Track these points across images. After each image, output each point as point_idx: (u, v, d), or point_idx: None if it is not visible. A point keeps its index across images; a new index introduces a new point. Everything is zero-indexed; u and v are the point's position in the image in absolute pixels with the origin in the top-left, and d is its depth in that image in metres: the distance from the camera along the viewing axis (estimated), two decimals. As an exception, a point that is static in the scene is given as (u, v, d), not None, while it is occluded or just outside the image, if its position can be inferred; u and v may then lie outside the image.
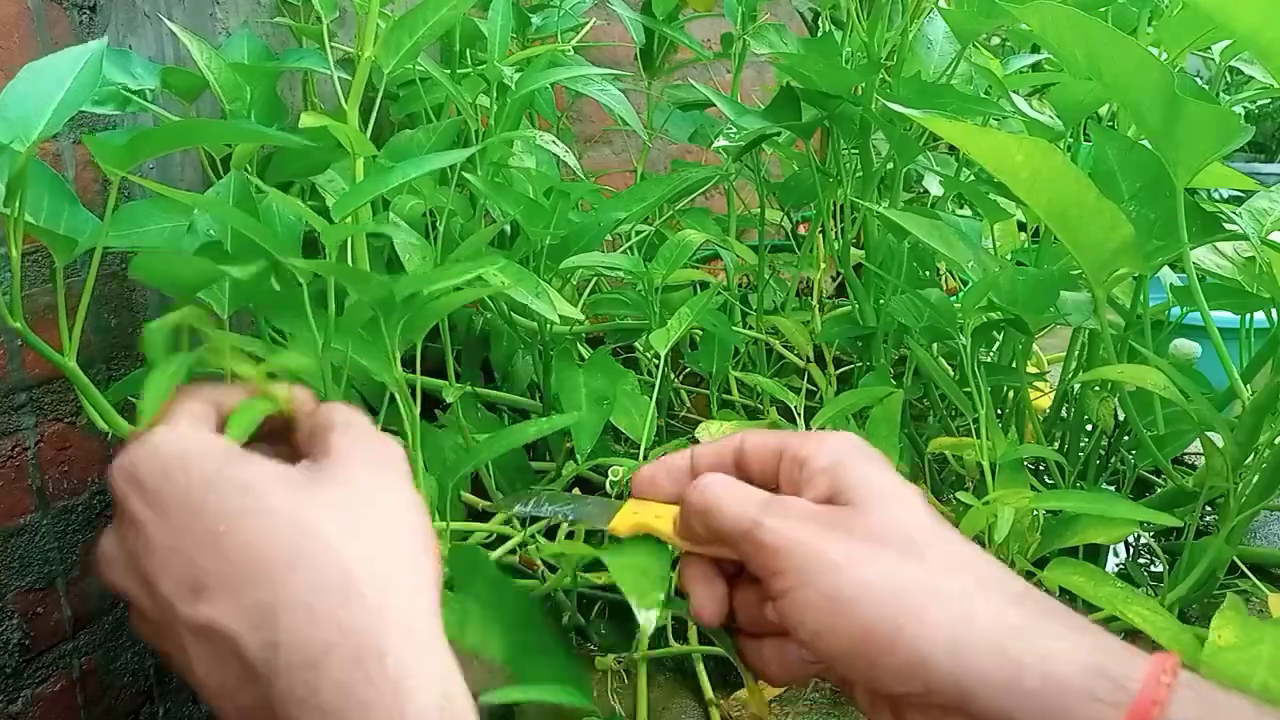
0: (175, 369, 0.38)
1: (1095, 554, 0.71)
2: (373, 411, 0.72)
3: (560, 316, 0.61)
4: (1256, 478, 0.60)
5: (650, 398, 0.68)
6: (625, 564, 0.51)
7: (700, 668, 0.59)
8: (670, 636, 0.63)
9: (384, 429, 0.60)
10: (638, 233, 0.92)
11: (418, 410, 0.56)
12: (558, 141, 0.76)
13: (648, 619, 0.45)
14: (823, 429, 0.68)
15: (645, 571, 0.49)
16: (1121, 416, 0.77)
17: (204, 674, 0.33)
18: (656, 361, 0.68)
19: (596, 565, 0.60)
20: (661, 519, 0.42)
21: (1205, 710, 0.31)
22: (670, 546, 0.43)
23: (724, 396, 0.92)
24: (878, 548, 0.34)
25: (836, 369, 0.91)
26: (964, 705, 0.32)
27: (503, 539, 0.66)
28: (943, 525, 0.36)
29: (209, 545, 0.32)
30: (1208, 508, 0.77)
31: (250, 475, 0.34)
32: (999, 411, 0.81)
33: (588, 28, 0.92)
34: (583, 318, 0.62)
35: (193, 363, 0.38)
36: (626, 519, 0.43)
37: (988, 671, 0.32)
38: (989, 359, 0.85)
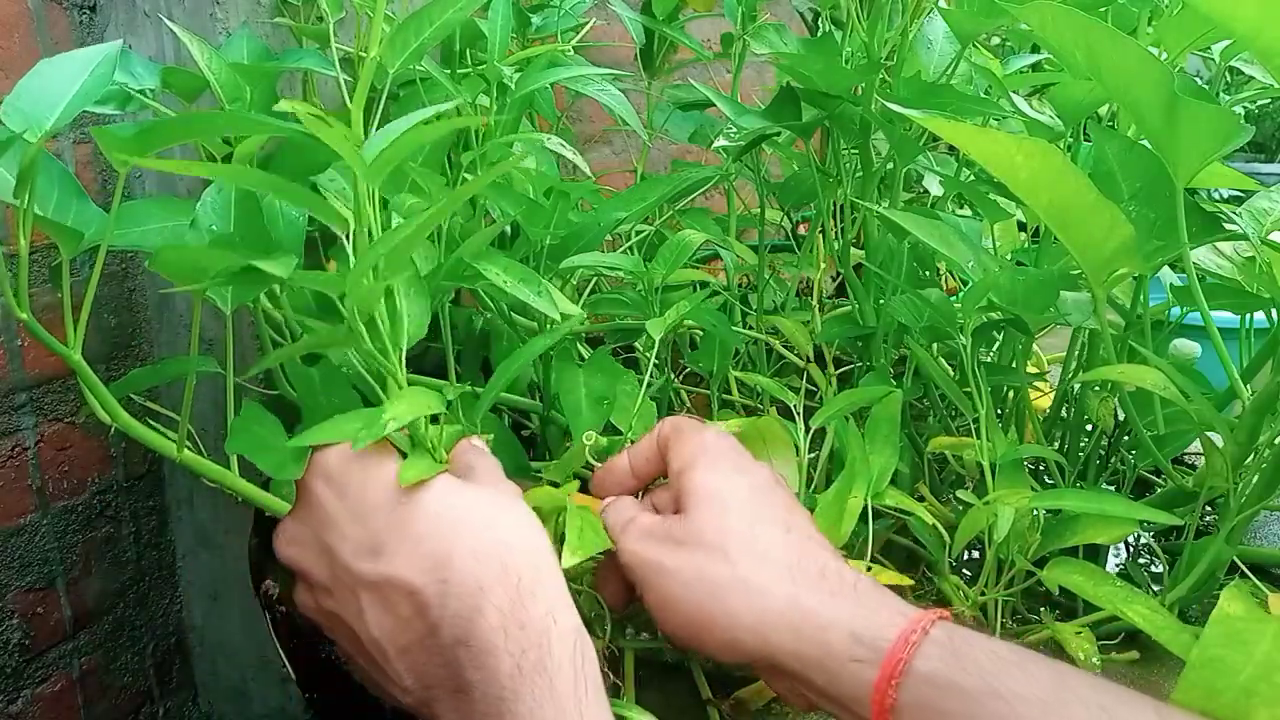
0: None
1: (1095, 554, 0.71)
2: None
3: (561, 316, 0.61)
4: (1256, 478, 0.60)
5: (640, 387, 0.68)
6: (586, 519, 0.54)
7: (697, 668, 0.59)
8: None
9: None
10: (638, 233, 0.92)
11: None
12: (564, 144, 0.76)
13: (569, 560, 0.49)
14: (822, 428, 0.68)
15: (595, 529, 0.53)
16: (1121, 416, 0.77)
17: (373, 622, 0.40)
18: (652, 352, 0.68)
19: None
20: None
21: (949, 661, 0.38)
22: None
23: (724, 396, 0.92)
24: (697, 553, 0.42)
25: (836, 369, 0.91)
26: (777, 670, 0.41)
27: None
28: (756, 522, 0.43)
29: (389, 514, 0.40)
30: (1208, 508, 0.77)
31: (427, 487, 0.42)
32: (999, 411, 0.81)
33: (588, 28, 0.92)
34: (584, 316, 0.63)
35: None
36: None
37: (784, 645, 0.40)
38: (989, 359, 0.85)
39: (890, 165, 0.80)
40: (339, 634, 0.43)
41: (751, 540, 0.42)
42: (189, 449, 0.52)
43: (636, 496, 0.52)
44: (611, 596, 0.49)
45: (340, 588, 0.41)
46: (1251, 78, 0.78)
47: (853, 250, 0.89)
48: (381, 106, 0.57)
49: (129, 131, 0.43)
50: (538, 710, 0.36)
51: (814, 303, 0.94)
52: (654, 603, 0.42)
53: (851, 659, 0.39)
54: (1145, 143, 0.59)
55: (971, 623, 0.64)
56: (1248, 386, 0.62)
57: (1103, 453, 0.81)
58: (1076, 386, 0.79)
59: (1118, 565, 0.77)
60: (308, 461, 0.44)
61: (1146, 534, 0.78)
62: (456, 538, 0.39)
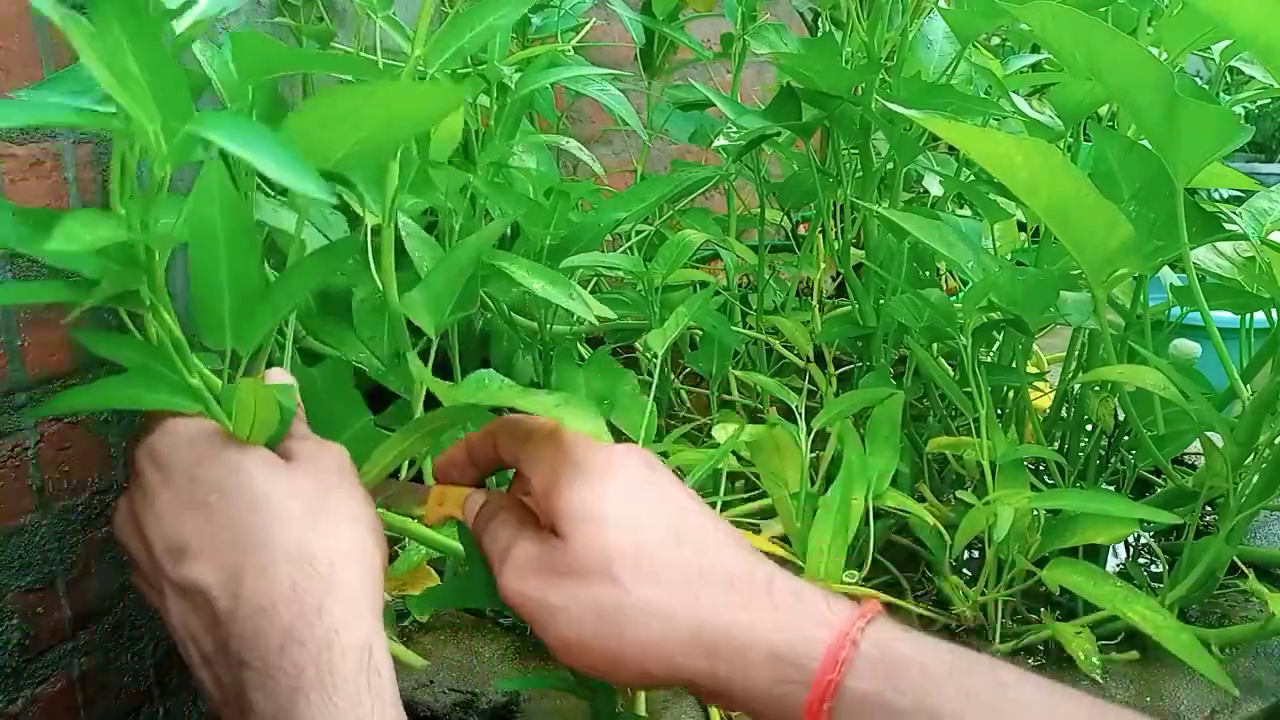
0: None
1: (1095, 554, 0.71)
2: (374, 410, 0.72)
3: (562, 315, 0.61)
4: (1256, 478, 0.60)
5: (649, 396, 0.68)
6: None
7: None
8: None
9: (384, 428, 0.60)
10: (638, 233, 0.92)
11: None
12: (582, 147, 0.76)
13: None
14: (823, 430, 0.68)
15: None
16: (1121, 416, 0.77)
17: (178, 622, 0.39)
18: (655, 362, 0.68)
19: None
20: (452, 505, 0.46)
21: (883, 678, 0.34)
22: None
23: (724, 396, 0.92)
24: (583, 584, 0.38)
25: (836, 369, 0.91)
26: (701, 691, 0.37)
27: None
28: (641, 534, 0.38)
29: (199, 513, 0.38)
30: (1208, 508, 0.77)
31: (239, 457, 0.39)
32: (999, 411, 0.81)
33: (588, 28, 0.92)
34: (611, 314, 0.63)
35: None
36: (434, 509, 0.47)
37: (700, 670, 0.36)
38: (989, 359, 0.85)
39: (890, 165, 0.80)
40: (166, 624, 0.41)
41: (639, 558, 0.37)
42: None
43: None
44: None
45: (156, 582, 0.40)
46: (1251, 78, 0.78)
47: (853, 250, 0.89)
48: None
49: (259, 43, 0.43)
50: None
51: (814, 303, 0.94)
52: (553, 644, 0.38)
53: (777, 681, 0.35)
54: (1145, 143, 0.59)
55: (972, 623, 0.64)
56: (1248, 386, 0.62)
57: (1103, 453, 0.81)
58: (1076, 386, 0.79)
59: (1118, 565, 0.77)
60: (138, 439, 0.41)
61: (1146, 534, 0.78)
62: (252, 550, 0.37)
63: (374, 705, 0.35)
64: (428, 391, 0.68)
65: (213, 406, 0.40)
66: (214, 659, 0.37)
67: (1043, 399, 0.91)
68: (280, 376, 0.45)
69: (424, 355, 0.58)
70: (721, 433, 0.68)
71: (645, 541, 0.38)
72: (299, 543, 0.38)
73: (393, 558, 0.68)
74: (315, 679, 0.35)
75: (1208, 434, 0.63)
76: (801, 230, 1.09)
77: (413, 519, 0.52)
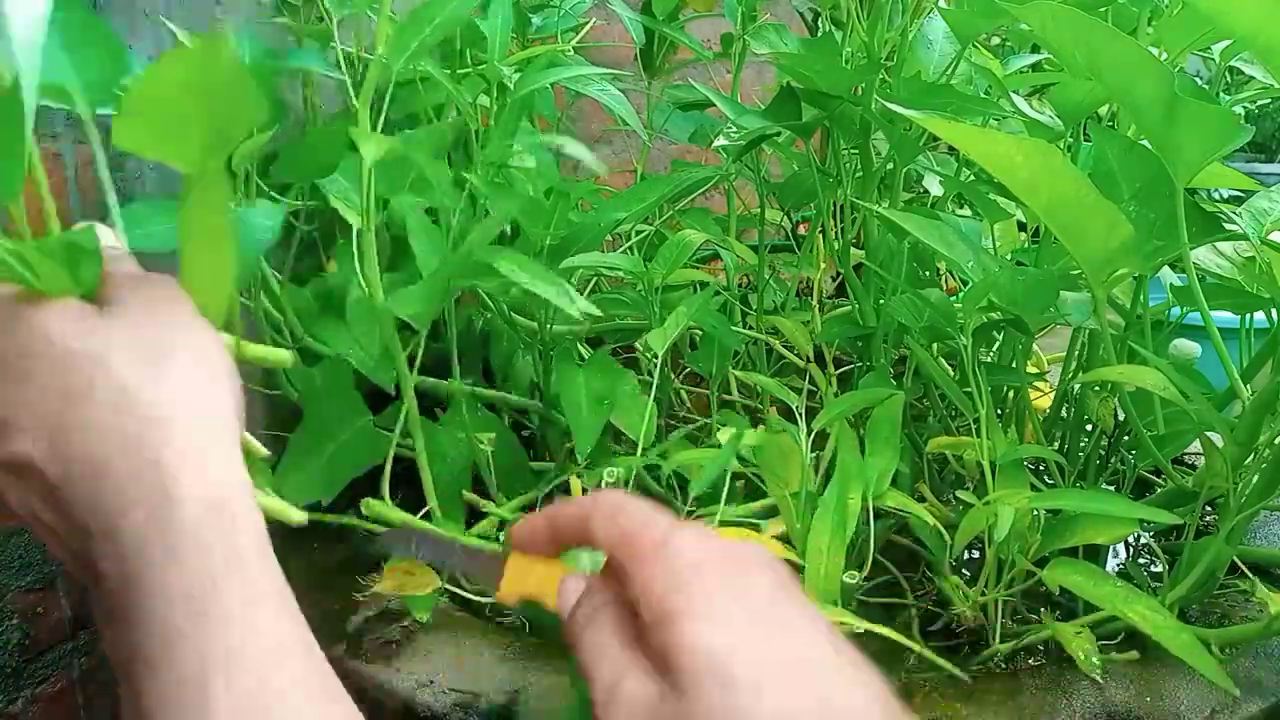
0: None
1: (1095, 554, 0.71)
2: (373, 410, 0.72)
3: (561, 315, 0.61)
4: (1256, 478, 0.60)
5: (649, 397, 0.68)
6: None
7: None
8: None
9: (383, 428, 0.60)
10: (638, 233, 0.92)
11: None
12: (583, 148, 0.76)
13: None
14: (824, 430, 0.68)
15: None
16: (1121, 416, 0.77)
17: (17, 502, 0.35)
18: (656, 361, 0.68)
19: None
20: (549, 585, 0.40)
21: None
22: None
23: (724, 396, 0.92)
24: None
25: (836, 369, 0.91)
26: None
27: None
28: (776, 698, 0.31)
29: (13, 387, 0.34)
30: (1208, 508, 0.77)
31: (44, 315, 0.35)
32: (999, 411, 0.81)
33: (588, 28, 0.92)
34: (596, 311, 0.62)
35: None
36: (514, 585, 0.41)
37: None
38: (989, 359, 0.85)
39: (890, 165, 0.80)
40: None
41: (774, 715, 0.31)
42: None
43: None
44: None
45: None
46: (1251, 78, 0.78)
47: (853, 250, 0.88)
48: (386, 105, 0.57)
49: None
50: (163, 593, 0.31)
51: (814, 303, 0.94)
52: None
53: None
54: (1145, 143, 0.59)
55: (972, 623, 0.64)
56: (1248, 386, 0.62)
57: (1103, 453, 0.81)
58: (1076, 386, 0.79)
59: (1118, 565, 0.77)
60: None
61: (1146, 534, 0.78)
62: (75, 409, 0.34)
63: (227, 563, 0.32)
64: (421, 389, 0.68)
65: (15, 268, 0.36)
66: (63, 535, 0.34)
67: (1043, 399, 0.91)
68: (106, 234, 0.41)
69: (413, 353, 0.58)
70: (725, 434, 0.68)
71: (782, 707, 0.31)
72: (126, 391, 0.34)
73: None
74: (156, 537, 0.32)
75: (1208, 434, 0.63)
76: (801, 230, 1.09)
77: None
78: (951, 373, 0.79)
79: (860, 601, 0.66)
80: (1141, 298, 0.70)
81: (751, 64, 0.96)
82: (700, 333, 0.88)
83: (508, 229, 0.78)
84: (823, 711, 0.31)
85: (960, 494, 0.65)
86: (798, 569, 0.59)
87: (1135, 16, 0.73)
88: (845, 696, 0.32)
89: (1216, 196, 1.21)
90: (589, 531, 0.38)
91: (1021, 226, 0.91)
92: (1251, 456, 0.60)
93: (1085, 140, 0.76)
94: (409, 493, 0.66)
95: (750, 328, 0.92)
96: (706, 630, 0.32)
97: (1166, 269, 0.77)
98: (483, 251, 0.60)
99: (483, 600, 0.65)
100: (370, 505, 0.61)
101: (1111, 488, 0.81)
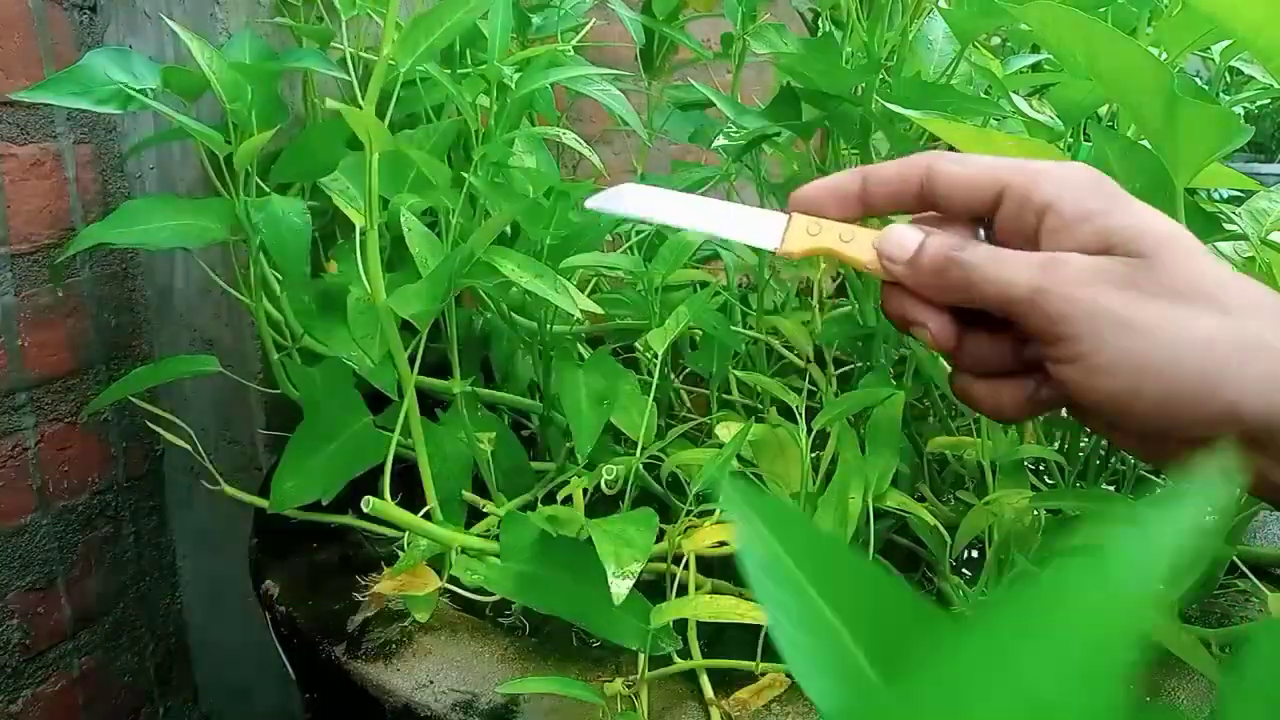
0: None
1: (1095, 554, 0.71)
2: (373, 410, 0.72)
3: (561, 315, 0.61)
4: (1256, 478, 0.60)
5: (649, 397, 0.68)
6: (608, 532, 0.52)
7: (700, 670, 0.59)
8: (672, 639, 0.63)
9: (383, 428, 0.60)
10: (638, 233, 0.92)
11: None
12: (579, 140, 0.76)
13: (620, 589, 0.47)
14: (817, 429, 0.68)
15: (628, 542, 0.50)
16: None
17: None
18: (656, 361, 0.68)
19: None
20: (851, 244, 0.37)
21: None
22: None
23: (724, 396, 0.92)
24: (1180, 304, 0.33)
25: (836, 369, 0.91)
26: (1271, 441, 0.32)
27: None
28: (1223, 265, 0.34)
29: None
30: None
31: None
32: (999, 411, 0.81)
33: (588, 28, 0.92)
34: (598, 310, 0.63)
35: None
36: (801, 239, 0.37)
37: None
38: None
39: (890, 165, 0.80)
40: None
41: (1236, 284, 0.33)
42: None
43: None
44: (940, 331, 0.37)
45: None
46: (1251, 78, 0.78)
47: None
48: (391, 106, 0.57)
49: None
50: None
51: (814, 303, 0.94)
52: (1112, 368, 0.33)
53: None
54: (1145, 143, 0.59)
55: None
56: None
57: (1103, 453, 0.81)
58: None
59: (1118, 565, 0.77)
60: None
61: (1146, 534, 0.78)
62: None
63: None
64: (421, 389, 0.68)
65: None
66: None
67: (1043, 399, 0.91)
68: None
69: (414, 353, 0.58)
70: (725, 432, 0.68)
71: (1233, 277, 0.33)
72: None
73: (392, 558, 0.68)
74: None
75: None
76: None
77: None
78: (951, 373, 0.79)
79: (860, 601, 0.66)
80: (1141, 298, 0.70)
81: (751, 64, 0.96)
82: (700, 333, 0.88)
83: (508, 229, 0.78)
84: (1257, 295, 0.33)
85: (960, 494, 0.65)
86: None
87: (1135, 16, 0.73)
88: (1252, 286, 0.34)
89: (1216, 196, 1.21)
90: (931, 180, 0.38)
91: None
92: (1251, 456, 0.60)
93: (1085, 140, 0.76)
94: (409, 493, 0.66)
95: (750, 328, 0.92)
96: (1151, 215, 0.34)
97: (1166, 269, 0.77)
98: (484, 251, 0.60)
99: (483, 600, 0.65)
100: (373, 504, 0.61)
101: (1111, 488, 0.81)
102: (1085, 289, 0.33)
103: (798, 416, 0.67)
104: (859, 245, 0.37)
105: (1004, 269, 0.35)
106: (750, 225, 0.39)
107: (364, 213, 0.55)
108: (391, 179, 0.69)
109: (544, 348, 0.77)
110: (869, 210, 0.39)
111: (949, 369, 0.39)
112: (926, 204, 0.38)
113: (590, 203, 0.41)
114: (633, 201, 0.40)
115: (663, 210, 0.39)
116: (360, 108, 0.53)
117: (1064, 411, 0.36)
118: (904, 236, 0.37)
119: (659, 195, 0.40)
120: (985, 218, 0.37)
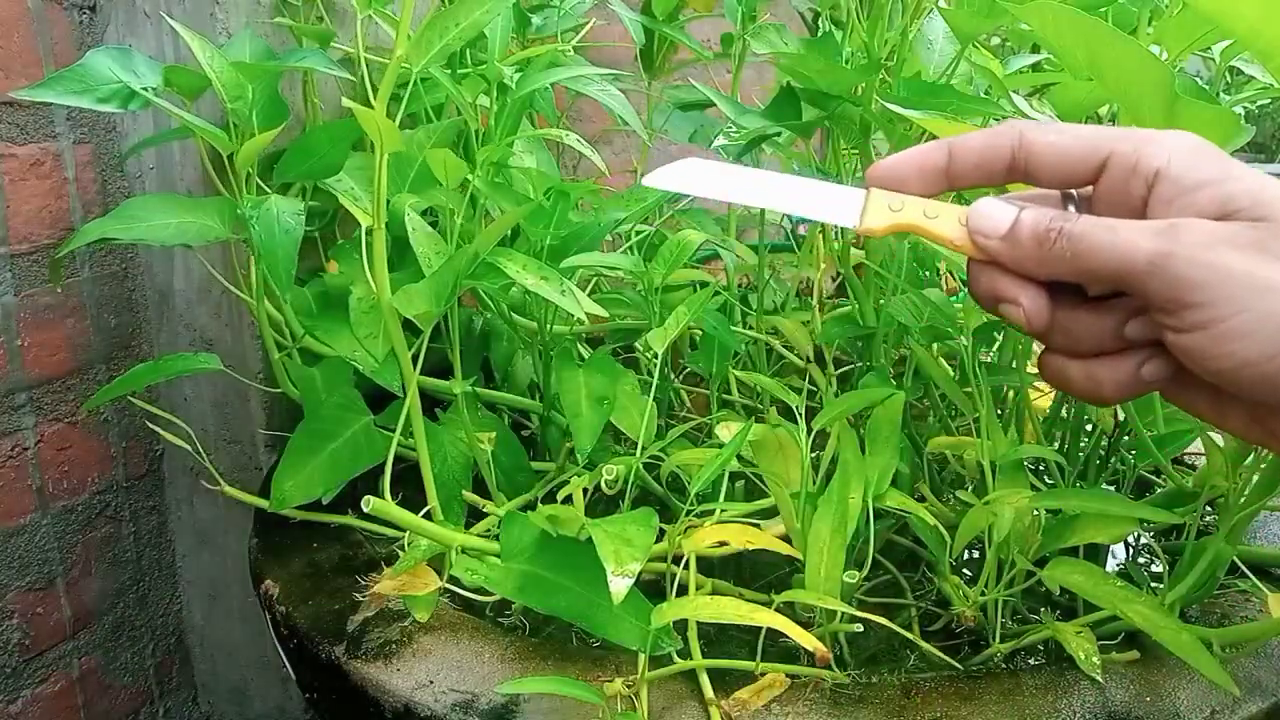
0: None
1: (1095, 554, 0.71)
2: (373, 409, 0.72)
3: (561, 315, 0.61)
4: (1256, 477, 0.60)
5: (649, 397, 0.68)
6: (608, 531, 0.52)
7: (700, 669, 0.59)
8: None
9: (383, 428, 0.60)
10: (638, 233, 0.92)
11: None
12: (581, 140, 0.76)
13: (620, 588, 0.47)
14: (817, 428, 0.68)
15: (628, 541, 0.50)
16: (1121, 416, 0.77)
17: None
18: (656, 361, 0.69)
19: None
20: (937, 220, 0.36)
21: None
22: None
23: (724, 396, 0.92)
24: None
25: (836, 369, 0.91)
26: None
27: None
28: None
29: None
30: (1208, 508, 0.77)
31: None
32: (999, 411, 0.81)
33: (588, 28, 0.92)
34: (601, 312, 0.63)
35: None
36: (882, 215, 0.36)
37: None
38: (989, 359, 0.85)
39: (890, 165, 0.80)
40: None
41: None
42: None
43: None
44: (1035, 311, 0.36)
45: None
46: (1251, 78, 0.78)
47: (853, 250, 0.89)
48: (403, 105, 0.57)
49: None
50: None
51: (814, 303, 0.94)
52: (1245, 332, 0.32)
53: None
54: (1145, 143, 0.59)
55: (972, 623, 0.64)
56: (1248, 386, 0.62)
57: (1103, 453, 0.81)
58: (1076, 386, 0.78)
59: (1118, 565, 0.77)
60: None
61: (1146, 534, 0.78)
62: None
63: None
64: (421, 389, 0.68)
65: None
66: None
67: (1043, 399, 0.91)
68: None
69: (416, 353, 0.58)
70: (725, 432, 0.68)
71: None
72: None
73: (392, 558, 0.68)
74: None
75: (1208, 433, 0.63)
76: (801, 230, 1.09)
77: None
78: (952, 373, 0.79)
79: (860, 601, 0.66)
80: (1141, 298, 0.70)
81: (751, 64, 0.96)
82: (700, 333, 0.88)
83: (507, 230, 0.78)
84: None
85: (960, 494, 0.65)
86: (800, 568, 0.59)
87: (1135, 16, 0.73)
88: None
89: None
90: (1016, 151, 0.36)
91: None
92: (1251, 456, 0.60)
93: (1085, 140, 0.76)
94: (409, 493, 0.66)
95: (750, 328, 0.92)
96: (1268, 180, 0.34)
97: (1167, 269, 0.76)
98: (489, 252, 0.60)
99: (483, 600, 0.65)
100: (373, 504, 0.61)
101: (1111, 488, 0.81)
102: (1214, 252, 0.33)
103: (798, 416, 0.67)
104: (945, 221, 0.35)
105: (1120, 237, 0.34)
106: (826, 201, 0.37)
107: (371, 212, 0.55)
108: (392, 179, 0.69)
109: (544, 348, 0.78)
110: (953, 183, 0.38)
111: (1037, 352, 0.38)
112: (1016, 175, 0.37)
113: (650, 180, 0.39)
114: (699, 179, 0.38)
115: (732, 188, 0.38)
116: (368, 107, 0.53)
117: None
118: (997, 210, 0.36)
119: (726, 171, 0.38)
120: (1076, 190, 0.36)
